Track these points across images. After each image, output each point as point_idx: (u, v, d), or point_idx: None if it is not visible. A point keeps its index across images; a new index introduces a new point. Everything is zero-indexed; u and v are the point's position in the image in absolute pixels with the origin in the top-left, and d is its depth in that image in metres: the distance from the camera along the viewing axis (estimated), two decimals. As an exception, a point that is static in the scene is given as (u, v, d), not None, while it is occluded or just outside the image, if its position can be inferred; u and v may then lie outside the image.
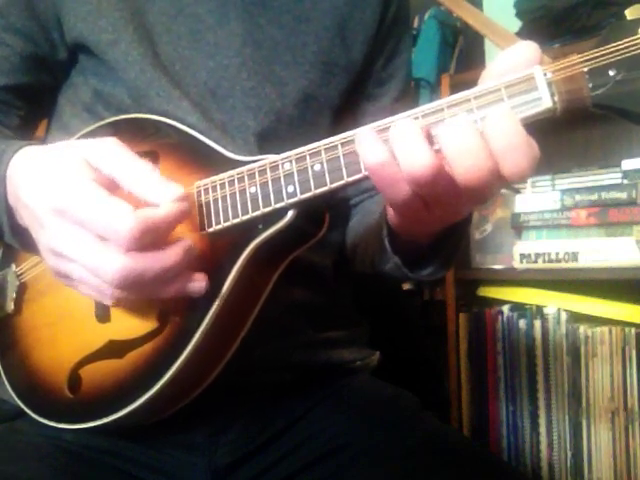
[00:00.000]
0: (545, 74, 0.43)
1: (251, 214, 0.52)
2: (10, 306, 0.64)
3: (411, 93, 0.86)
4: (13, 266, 0.65)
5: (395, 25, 0.78)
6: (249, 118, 0.66)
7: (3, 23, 0.68)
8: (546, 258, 1.32)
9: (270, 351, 0.64)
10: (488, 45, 1.57)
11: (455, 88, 1.43)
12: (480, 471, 0.59)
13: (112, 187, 0.49)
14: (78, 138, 0.64)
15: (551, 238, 1.33)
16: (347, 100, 0.73)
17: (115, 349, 0.56)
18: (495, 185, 0.44)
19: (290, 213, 0.52)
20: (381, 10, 0.75)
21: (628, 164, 1.26)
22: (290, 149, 0.52)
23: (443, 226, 0.53)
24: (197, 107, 0.65)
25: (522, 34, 1.41)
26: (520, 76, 0.44)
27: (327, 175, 0.49)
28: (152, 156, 0.60)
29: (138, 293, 0.49)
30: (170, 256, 0.48)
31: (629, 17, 0.44)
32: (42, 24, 0.68)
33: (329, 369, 0.70)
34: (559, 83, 0.43)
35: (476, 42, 1.61)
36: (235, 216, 0.53)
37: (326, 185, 0.49)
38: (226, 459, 0.63)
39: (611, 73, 0.42)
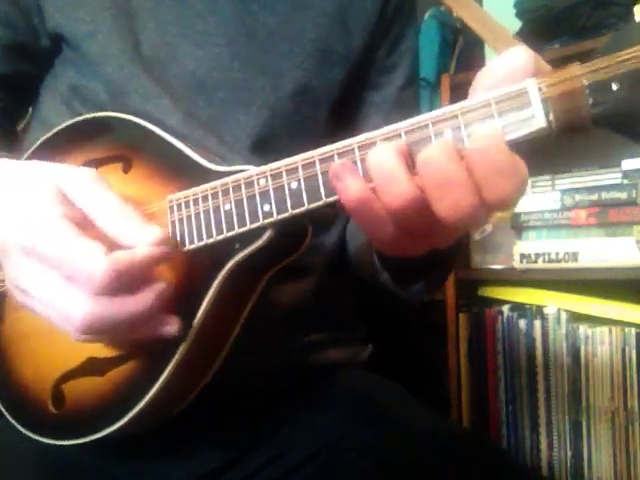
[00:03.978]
0: (540, 88, 0.39)
1: (226, 234, 0.49)
2: None
3: (417, 81, 0.82)
4: None
5: (399, 10, 0.73)
6: (240, 113, 0.62)
7: None
8: (546, 258, 1.32)
9: (257, 359, 0.62)
10: (488, 45, 1.57)
11: (455, 88, 1.43)
12: (475, 464, 0.57)
13: (85, 223, 0.46)
14: (52, 135, 0.60)
15: (551, 238, 1.33)
16: (347, 91, 0.69)
17: (95, 367, 0.54)
18: (481, 215, 0.39)
19: (268, 232, 0.49)
20: None
21: (628, 164, 1.26)
22: (285, 147, 0.49)
23: (429, 251, 0.49)
24: (179, 105, 0.61)
25: (522, 34, 1.41)
26: (512, 90, 0.39)
27: (304, 194, 0.45)
28: (124, 161, 0.57)
29: (104, 337, 0.47)
30: (141, 301, 0.45)
31: (638, 16, 0.40)
32: (23, 11, 0.65)
33: (316, 370, 0.68)
34: (555, 100, 0.38)
35: (476, 42, 1.61)
36: (209, 236, 0.50)
37: (303, 206, 0.45)
38: (208, 466, 0.62)
39: (614, 87, 0.37)
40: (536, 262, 1.33)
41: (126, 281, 0.44)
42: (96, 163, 0.57)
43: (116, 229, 0.46)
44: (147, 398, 0.50)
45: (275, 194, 0.47)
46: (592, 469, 1.24)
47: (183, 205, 0.51)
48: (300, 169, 0.45)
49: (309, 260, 0.66)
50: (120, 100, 0.61)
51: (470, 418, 1.42)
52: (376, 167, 0.40)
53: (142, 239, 0.45)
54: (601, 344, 1.23)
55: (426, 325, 1.49)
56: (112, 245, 0.45)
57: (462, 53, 1.67)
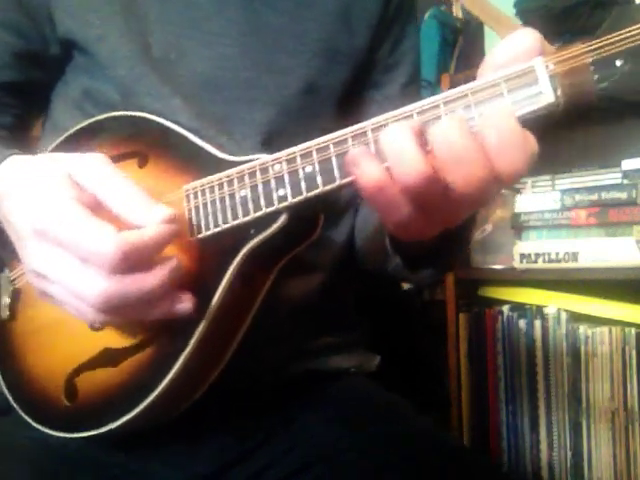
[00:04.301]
0: (547, 66, 0.40)
1: (241, 219, 0.50)
2: (4, 312, 0.62)
3: (419, 79, 0.83)
4: (6, 271, 0.64)
5: (400, 10, 0.75)
6: (249, 110, 0.64)
7: None
8: (546, 258, 1.32)
9: (263, 359, 0.62)
10: (488, 45, 1.57)
11: (455, 88, 1.42)
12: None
13: (96, 206, 0.47)
14: (65, 138, 0.62)
15: (551, 238, 1.33)
16: (351, 90, 0.71)
17: (110, 357, 0.55)
18: (494, 188, 0.41)
19: (282, 217, 0.50)
20: None
21: (628, 164, 1.26)
22: (293, 143, 0.49)
23: (443, 230, 0.50)
24: (189, 104, 0.62)
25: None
26: (520, 69, 0.41)
27: (319, 177, 0.47)
28: (139, 157, 0.58)
29: (121, 316, 0.48)
30: (155, 278, 0.46)
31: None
32: (34, 19, 0.66)
33: (321, 376, 0.68)
34: (562, 76, 0.40)
35: (476, 42, 1.61)
36: (225, 221, 0.51)
37: (318, 188, 0.47)
38: (208, 468, 0.62)
39: (618, 64, 0.39)
40: (536, 262, 1.33)
41: (137, 259, 0.45)
42: (112, 161, 0.58)
43: (125, 209, 0.47)
44: (164, 384, 0.51)
45: (290, 178, 0.48)
46: (592, 469, 1.24)
47: (199, 193, 0.53)
48: (314, 153, 0.47)
49: (317, 256, 0.67)
50: (132, 101, 0.62)
51: (470, 418, 1.42)
52: (390, 146, 0.41)
53: (151, 218, 0.46)
54: (601, 344, 1.23)
55: (426, 325, 1.49)
56: (123, 226, 0.46)
57: (462, 53, 1.67)
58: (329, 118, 0.68)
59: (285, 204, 0.49)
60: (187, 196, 0.53)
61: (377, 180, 0.41)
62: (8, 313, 0.62)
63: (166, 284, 0.47)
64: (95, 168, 0.48)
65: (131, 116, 0.60)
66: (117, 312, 0.47)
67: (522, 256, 1.35)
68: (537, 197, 1.35)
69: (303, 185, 0.47)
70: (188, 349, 0.51)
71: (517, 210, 1.37)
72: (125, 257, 0.44)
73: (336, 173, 0.46)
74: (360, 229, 0.74)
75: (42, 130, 0.74)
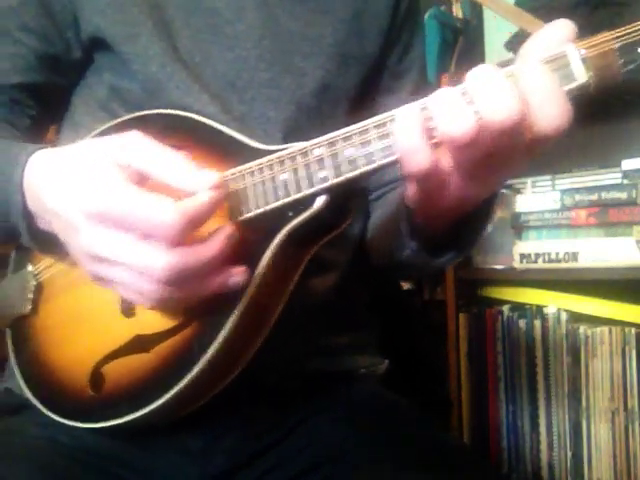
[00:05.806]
0: (579, 51, 0.45)
1: (282, 200, 0.52)
2: (27, 306, 0.63)
3: (427, 86, 0.86)
4: (29, 266, 0.65)
5: (408, 18, 0.78)
6: (269, 109, 0.66)
7: (18, 22, 0.68)
8: (546, 258, 1.32)
9: (278, 358, 0.62)
10: (488, 45, 1.57)
11: (455, 88, 1.42)
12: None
13: (141, 183, 0.48)
14: (94, 136, 0.62)
15: (551, 238, 1.33)
16: (363, 93, 0.74)
17: (141, 343, 0.55)
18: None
19: (320, 199, 0.52)
20: (394, 3, 0.75)
21: (628, 164, 1.26)
22: (310, 139, 0.52)
23: (474, 202, 0.53)
24: (216, 100, 0.65)
25: (522, 34, 1.41)
26: (555, 53, 0.45)
27: (360, 159, 0.49)
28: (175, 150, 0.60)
29: (183, 291, 0.48)
30: (215, 245, 0.47)
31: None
32: (57, 23, 0.68)
33: (333, 376, 0.69)
34: (592, 59, 0.45)
35: (476, 42, 1.61)
36: (266, 203, 0.53)
37: (358, 169, 0.49)
38: (222, 466, 0.63)
39: (639, 50, 0.44)
40: (536, 262, 1.33)
41: (195, 227, 0.46)
42: None
43: (176, 178, 0.47)
44: (197, 368, 0.52)
45: (331, 160, 0.50)
46: (592, 469, 1.24)
47: (239, 178, 0.54)
48: (355, 136, 0.49)
49: (334, 254, 0.69)
50: (161, 97, 0.64)
51: (470, 418, 1.42)
52: (484, 86, 0.44)
53: (201, 184, 0.47)
54: (601, 344, 1.24)
55: (426, 325, 1.49)
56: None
57: (462, 53, 1.67)
58: (342, 119, 0.70)
59: (326, 185, 0.51)
60: (226, 181, 0.54)
61: (471, 127, 0.43)
62: (30, 307, 0.63)
63: (225, 250, 0.48)
64: (137, 144, 0.49)
65: (162, 114, 0.62)
66: (181, 285, 0.47)
67: (522, 256, 1.35)
68: (537, 197, 1.35)
69: (344, 167, 0.50)
70: (227, 327, 0.52)
71: (517, 210, 1.38)
72: (186, 226, 0.45)
73: (377, 154, 0.49)
74: (373, 222, 0.76)
75: (59, 133, 0.74)
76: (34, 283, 0.63)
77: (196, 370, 0.52)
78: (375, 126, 0.49)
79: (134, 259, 0.46)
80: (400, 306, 1.01)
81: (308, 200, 0.52)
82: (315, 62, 0.69)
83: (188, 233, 0.46)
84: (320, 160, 0.51)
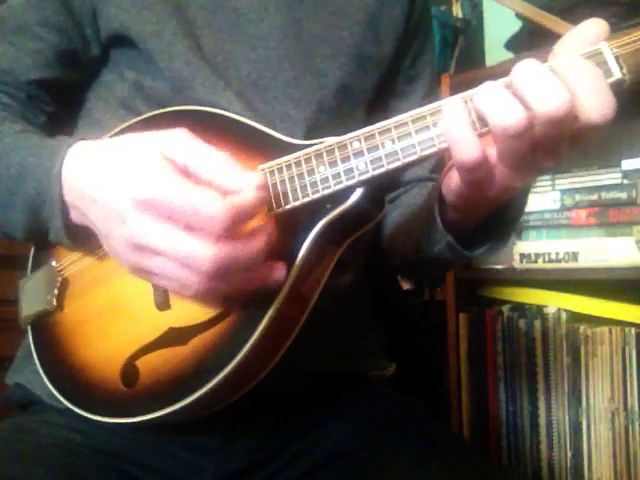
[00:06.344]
0: (612, 49, 0.47)
1: (322, 192, 0.53)
2: (52, 302, 0.63)
3: (438, 91, 0.89)
4: (53, 262, 0.64)
5: (420, 24, 0.80)
6: (291, 108, 0.67)
7: (38, 17, 0.68)
8: (546, 258, 1.32)
9: (295, 359, 0.62)
10: (488, 45, 1.56)
11: (455, 88, 1.42)
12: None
13: (189, 178, 0.48)
14: (118, 132, 0.63)
15: (551, 238, 1.33)
16: (379, 95, 0.75)
17: (177, 336, 0.55)
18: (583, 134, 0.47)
19: (358, 191, 0.53)
20: (408, 8, 0.77)
21: (628, 164, 1.26)
22: None
23: (515, 192, 0.54)
24: (241, 97, 0.66)
25: (522, 34, 1.41)
26: (589, 50, 0.48)
27: (399, 151, 0.50)
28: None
29: (226, 283, 0.48)
30: (258, 241, 0.48)
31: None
32: (76, 20, 0.68)
33: (346, 379, 0.70)
34: (625, 57, 0.47)
35: (476, 42, 1.61)
36: (305, 195, 0.53)
37: (399, 161, 0.50)
38: (236, 465, 0.63)
39: None
40: (536, 262, 1.33)
41: (241, 224, 0.47)
42: None
43: (222, 176, 0.48)
44: (235, 361, 0.52)
45: (370, 153, 0.52)
46: (592, 469, 1.24)
47: (276, 171, 0.55)
48: (393, 130, 0.51)
49: (350, 255, 0.68)
50: (186, 94, 0.65)
51: (470, 418, 1.42)
52: (524, 79, 0.46)
53: (247, 183, 0.48)
54: (601, 344, 1.23)
55: (426, 325, 1.49)
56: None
57: (462, 53, 1.67)
58: (361, 120, 0.72)
59: (366, 177, 0.52)
60: (263, 175, 0.55)
61: (523, 117, 0.45)
62: (55, 304, 0.63)
63: (266, 247, 0.49)
64: (183, 141, 0.49)
65: (189, 110, 0.62)
66: (225, 279, 0.48)
67: (522, 256, 1.35)
68: (537, 197, 1.35)
69: (384, 159, 0.51)
70: (265, 319, 0.52)
71: (517, 210, 1.37)
72: (234, 220, 0.46)
73: (417, 146, 0.50)
74: (391, 222, 0.77)
75: (75, 130, 0.74)
76: (59, 279, 0.63)
77: (235, 361, 0.52)
78: (412, 120, 0.50)
79: (180, 249, 0.46)
80: (400, 306, 1.01)
81: (346, 192, 0.53)
82: (335, 63, 0.71)
83: (234, 228, 0.46)
84: (359, 152, 0.52)
